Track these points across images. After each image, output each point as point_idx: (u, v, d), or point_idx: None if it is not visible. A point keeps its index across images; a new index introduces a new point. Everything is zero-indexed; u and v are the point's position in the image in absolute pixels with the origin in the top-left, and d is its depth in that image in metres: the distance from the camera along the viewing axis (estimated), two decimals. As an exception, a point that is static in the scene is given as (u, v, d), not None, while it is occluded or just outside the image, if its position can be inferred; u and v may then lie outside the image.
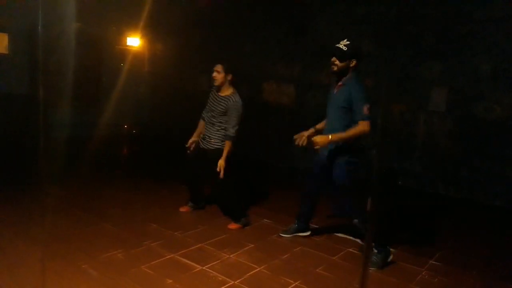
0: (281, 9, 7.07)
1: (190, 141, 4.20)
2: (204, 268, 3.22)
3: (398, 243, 3.89)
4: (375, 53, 6.09)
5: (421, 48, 5.81)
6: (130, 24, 8.53)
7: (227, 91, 4.05)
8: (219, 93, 4.08)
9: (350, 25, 6.37)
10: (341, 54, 3.36)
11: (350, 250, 3.74)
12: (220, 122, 4.05)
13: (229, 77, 4.04)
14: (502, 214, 5.11)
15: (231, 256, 3.47)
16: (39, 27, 2.39)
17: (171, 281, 3.00)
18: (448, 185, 5.73)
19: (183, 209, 4.44)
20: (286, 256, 3.55)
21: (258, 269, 3.26)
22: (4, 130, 6.81)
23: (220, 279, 3.07)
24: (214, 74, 4.02)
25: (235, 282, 3.03)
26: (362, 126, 3.25)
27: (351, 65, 3.41)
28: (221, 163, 3.94)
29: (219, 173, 3.94)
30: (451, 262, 3.61)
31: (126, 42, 8.82)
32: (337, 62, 3.40)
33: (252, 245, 3.71)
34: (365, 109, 3.26)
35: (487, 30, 5.31)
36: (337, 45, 3.36)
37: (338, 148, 3.49)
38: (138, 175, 5.73)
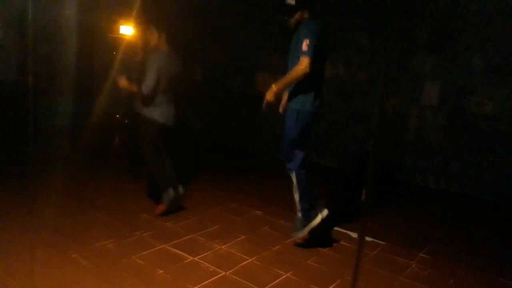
0: None
1: None
2: (195, 258, 3.22)
3: (388, 236, 3.92)
4: (368, 46, 6.08)
5: (414, 41, 5.80)
6: (123, 12, 8.41)
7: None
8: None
9: (343, 17, 6.34)
10: None
11: (342, 242, 3.76)
12: None
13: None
14: (491, 207, 5.16)
15: (222, 247, 3.47)
16: (29, 14, 2.35)
17: (162, 271, 2.99)
18: (439, 179, 5.76)
19: None
20: (277, 247, 3.56)
21: (250, 260, 3.27)
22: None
23: (211, 269, 3.07)
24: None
25: (226, 273, 3.04)
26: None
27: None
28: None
29: None
30: (440, 255, 3.64)
31: (119, 31, 8.68)
32: None
33: (244, 236, 3.72)
34: None
35: (480, 25, 5.32)
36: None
37: (290, 95, 3.44)
38: (130, 164, 5.68)
